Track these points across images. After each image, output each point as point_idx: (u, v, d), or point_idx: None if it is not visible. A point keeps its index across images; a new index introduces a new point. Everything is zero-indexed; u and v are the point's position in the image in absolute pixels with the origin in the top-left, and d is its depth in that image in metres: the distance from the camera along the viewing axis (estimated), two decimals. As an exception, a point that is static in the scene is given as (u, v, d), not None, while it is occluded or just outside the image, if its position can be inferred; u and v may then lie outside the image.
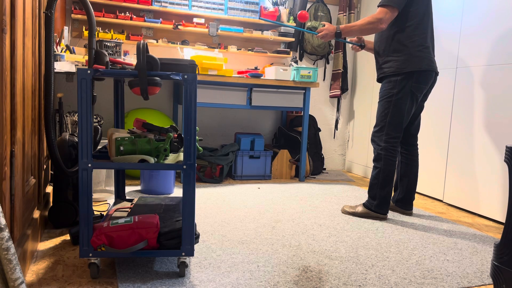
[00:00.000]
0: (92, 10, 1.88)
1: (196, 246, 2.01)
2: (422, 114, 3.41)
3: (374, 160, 2.69)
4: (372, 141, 2.72)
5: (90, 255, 1.59)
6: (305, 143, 3.76)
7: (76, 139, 2.18)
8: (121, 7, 3.64)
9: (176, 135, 1.75)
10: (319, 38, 2.73)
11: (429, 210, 3.00)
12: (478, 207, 2.90)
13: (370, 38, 3.25)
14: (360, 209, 2.73)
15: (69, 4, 3.52)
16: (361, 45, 2.93)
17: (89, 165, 1.55)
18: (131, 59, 3.09)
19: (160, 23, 3.68)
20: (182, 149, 1.75)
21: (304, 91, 3.70)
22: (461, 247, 2.22)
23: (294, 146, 3.92)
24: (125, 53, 3.40)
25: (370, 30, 2.56)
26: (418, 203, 3.18)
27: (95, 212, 2.25)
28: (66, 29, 3.27)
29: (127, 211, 1.97)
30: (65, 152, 2.12)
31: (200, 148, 1.86)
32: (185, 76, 1.56)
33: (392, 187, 2.68)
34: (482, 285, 1.78)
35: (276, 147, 4.06)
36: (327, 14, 4.26)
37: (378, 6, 2.57)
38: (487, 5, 2.87)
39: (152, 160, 1.61)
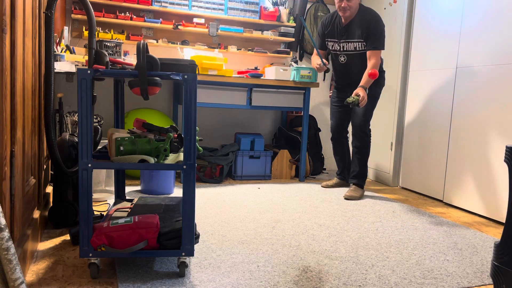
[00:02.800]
0: (92, 10, 1.88)
1: (196, 246, 2.01)
2: (422, 113, 3.46)
3: (364, 148, 3.28)
4: (362, 132, 3.25)
5: (90, 255, 1.59)
6: (305, 143, 3.76)
7: (76, 139, 2.18)
8: (121, 7, 3.64)
9: (176, 135, 1.75)
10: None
11: (429, 210, 3.00)
12: (478, 207, 2.90)
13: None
14: (360, 192, 3.24)
15: (69, 4, 3.52)
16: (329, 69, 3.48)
17: (89, 165, 1.55)
18: (131, 59, 3.09)
19: (160, 23, 3.68)
20: (182, 149, 1.75)
21: (304, 91, 3.69)
22: (461, 247, 2.22)
23: (294, 146, 3.92)
24: (125, 53, 3.40)
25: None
26: (418, 203, 3.19)
27: (95, 212, 2.24)
28: (66, 29, 3.27)
29: (127, 211, 1.97)
30: (65, 152, 2.12)
31: (200, 148, 1.86)
32: (185, 76, 1.56)
33: None
34: (482, 285, 1.78)
35: (276, 147, 4.06)
36: (326, 14, 4.24)
37: (371, 49, 3.07)
38: (487, 5, 2.87)
39: (152, 160, 1.61)
